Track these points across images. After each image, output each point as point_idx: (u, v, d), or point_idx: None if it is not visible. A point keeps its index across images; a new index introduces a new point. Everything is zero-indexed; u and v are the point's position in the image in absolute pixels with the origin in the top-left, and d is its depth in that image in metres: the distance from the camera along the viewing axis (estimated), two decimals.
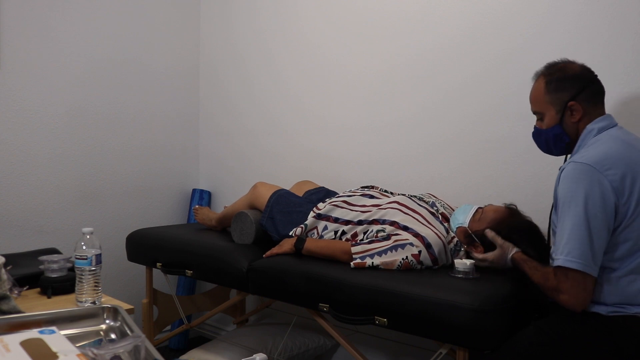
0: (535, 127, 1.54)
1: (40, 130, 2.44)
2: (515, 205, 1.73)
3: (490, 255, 1.61)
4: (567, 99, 1.43)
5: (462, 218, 1.76)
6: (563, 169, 1.37)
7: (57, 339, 0.90)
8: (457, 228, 1.76)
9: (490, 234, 1.61)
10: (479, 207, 1.77)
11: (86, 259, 1.40)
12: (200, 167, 3.15)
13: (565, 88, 1.44)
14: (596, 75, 1.46)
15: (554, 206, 1.41)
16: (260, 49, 2.79)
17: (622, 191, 1.30)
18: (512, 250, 1.55)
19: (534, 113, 1.53)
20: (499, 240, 1.59)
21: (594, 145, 1.38)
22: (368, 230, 1.84)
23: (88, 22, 2.57)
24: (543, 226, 1.67)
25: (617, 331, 1.29)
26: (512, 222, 1.65)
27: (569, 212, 1.31)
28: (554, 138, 1.48)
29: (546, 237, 1.61)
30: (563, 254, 1.31)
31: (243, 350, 2.20)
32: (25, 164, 2.40)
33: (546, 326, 1.35)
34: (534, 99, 1.52)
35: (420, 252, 1.66)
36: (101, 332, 1.16)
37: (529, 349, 1.32)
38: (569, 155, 1.53)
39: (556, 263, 1.32)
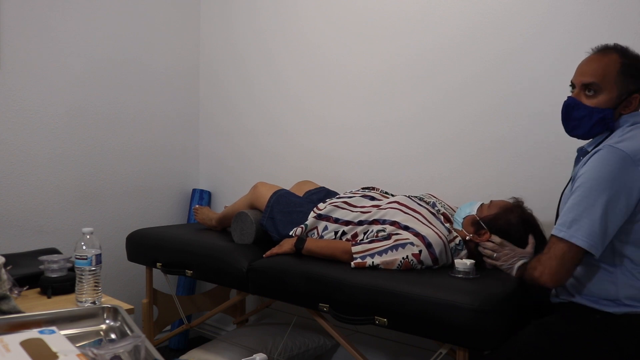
0: (572, 98, 1.43)
1: (40, 130, 2.44)
2: (522, 200, 1.74)
3: (512, 245, 1.60)
4: (634, 89, 1.38)
5: (468, 210, 1.79)
6: (597, 151, 1.33)
7: (57, 339, 0.90)
8: (464, 218, 1.77)
9: (531, 240, 1.61)
10: (484, 203, 1.80)
11: (86, 259, 1.40)
12: (200, 167, 3.15)
13: (636, 77, 1.38)
14: None
15: (572, 185, 1.38)
16: (260, 49, 2.79)
17: None
18: (528, 259, 1.54)
19: (588, 85, 1.40)
20: (532, 248, 1.58)
21: (629, 135, 1.35)
22: (368, 230, 1.84)
23: (88, 22, 2.57)
24: (544, 225, 1.68)
25: (618, 330, 1.29)
26: (522, 212, 1.67)
27: (590, 192, 1.29)
28: (600, 120, 1.39)
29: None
30: (571, 228, 1.29)
31: (243, 350, 2.20)
32: (25, 164, 2.40)
33: (546, 326, 1.35)
34: (600, 72, 1.38)
35: (420, 251, 1.66)
36: (101, 332, 1.15)
37: (529, 349, 1.32)
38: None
39: (559, 234, 1.30)
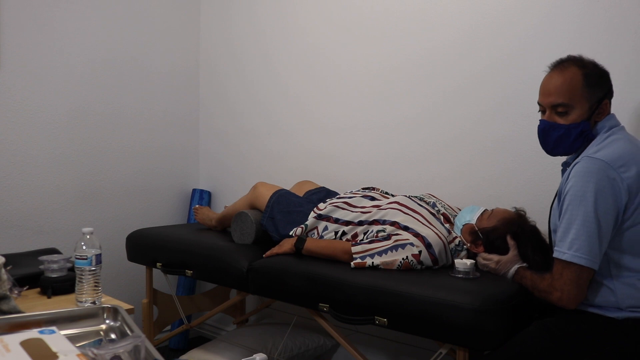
0: (546, 122, 1.43)
1: (40, 131, 2.44)
2: (524, 211, 1.73)
3: (497, 257, 1.60)
4: (602, 95, 1.39)
5: (469, 216, 1.78)
6: (576, 163, 1.34)
7: (57, 339, 0.90)
8: (463, 225, 1.77)
9: (511, 241, 1.61)
10: (486, 209, 1.78)
11: (86, 259, 1.40)
12: (200, 167, 3.15)
13: (600, 84, 1.39)
14: None
15: (558, 198, 1.39)
16: (260, 49, 2.79)
17: (636, 189, 1.29)
18: (519, 264, 1.54)
19: (557, 105, 1.40)
20: (514, 250, 1.58)
21: (606, 143, 1.36)
22: (368, 230, 1.84)
23: (88, 22, 2.57)
24: (544, 228, 1.67)
25: (619, 330, 1.29)
26: (522, 224, 1.66)
27: (579, 208, 1.29)
28: (579, 135, 1.39)
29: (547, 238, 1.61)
30: (572, 249, 1.29)
31: (243, 350, 2.20)
32: (25, 164, 2.39)
33: (548, 325, 1.35)
34: (566, 90, 1.38)
35: (420, 252, 1.66)
36: (101, 332, 1.16)
37: (529, 349, 1.32)
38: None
39: (563, 257, 1.31)
